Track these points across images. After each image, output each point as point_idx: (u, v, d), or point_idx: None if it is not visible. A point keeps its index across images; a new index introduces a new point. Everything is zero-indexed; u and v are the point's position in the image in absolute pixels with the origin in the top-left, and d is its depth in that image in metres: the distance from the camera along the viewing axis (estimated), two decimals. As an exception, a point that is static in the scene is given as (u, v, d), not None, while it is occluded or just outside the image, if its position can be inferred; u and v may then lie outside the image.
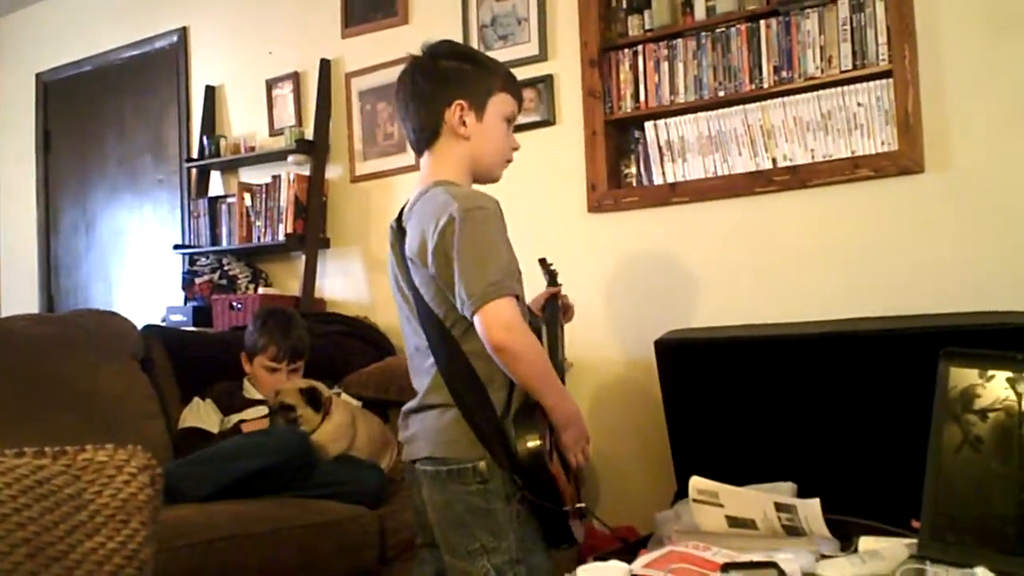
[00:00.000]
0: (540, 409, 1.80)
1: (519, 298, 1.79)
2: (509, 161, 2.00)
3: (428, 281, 1.83)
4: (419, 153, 1.97)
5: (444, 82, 1.90)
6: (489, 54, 3.52)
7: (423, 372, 1.90)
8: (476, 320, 1.73)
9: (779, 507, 1.93)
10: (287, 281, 4.20)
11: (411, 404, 1.93)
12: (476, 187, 1.95)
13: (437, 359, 1.85)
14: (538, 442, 1.76)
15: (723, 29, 3.15)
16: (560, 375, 2.05)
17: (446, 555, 1.88)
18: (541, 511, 1.83)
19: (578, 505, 1.91)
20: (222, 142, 4.34)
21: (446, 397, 1.83)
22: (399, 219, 1.96)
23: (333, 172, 4.12)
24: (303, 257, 4.02)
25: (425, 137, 1.92)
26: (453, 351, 1.82)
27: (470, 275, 1.72)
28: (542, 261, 2.37)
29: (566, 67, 3.47)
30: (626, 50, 3.34)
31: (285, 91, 4.27)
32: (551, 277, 2.34)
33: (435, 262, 1.78)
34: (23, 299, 5.31)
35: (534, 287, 2.26)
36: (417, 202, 1.89)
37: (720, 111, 3.16)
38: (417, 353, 1.92)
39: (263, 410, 2.89)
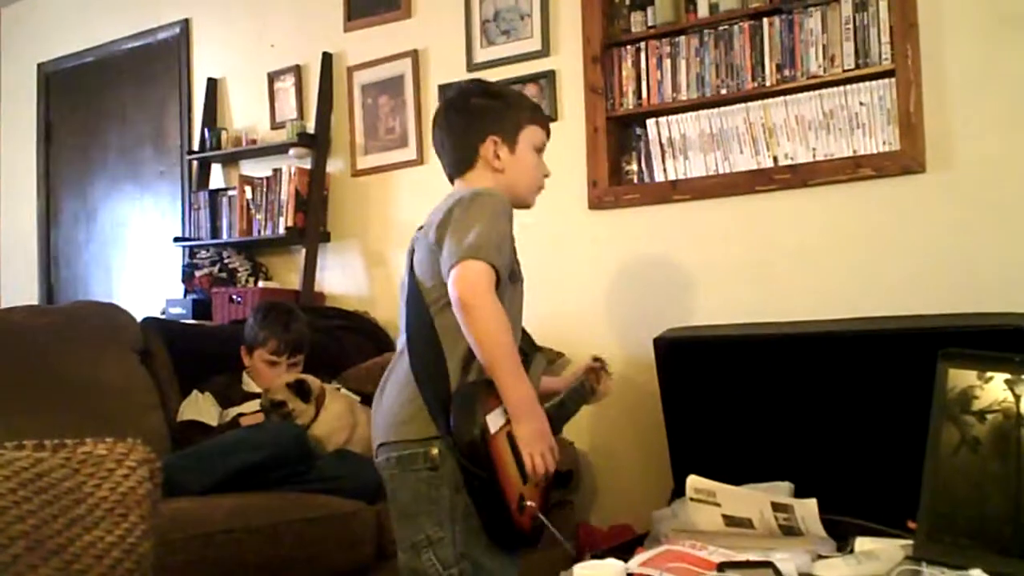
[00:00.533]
0: (492, 386, 1.77)
1: (500, 280, 1.77)
2: (541, 188, 2.09)
3: (427, 253, 1.87)
4: (452, 180, 2.06)
5: (477, 119, 2.00)
6: (491, 50, 3.59)
7: (398, 353, 1.92)
8: (450, 276, 1.76)
9: (776, 507, 1.94)
10: (287, 275, 4.20)
11: (380, 385, 1.95)
12: None
13: (409, 333, 1.88)
14: (476, 406, 1.74)
15: (726, 27, 3.15)
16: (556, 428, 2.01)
17: (399, 552, 1.87)
18: (478, 494, 1.76)
19: (527, 503, 1.80)
20: (223, 135, 4.33)
21: (405, 370, 1.85)
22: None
23: (334, 166, 4.12)
24: (303, 251, 4.02)
25: (461, 169, 2.02)
26: (425, 325, 1.84)
27: (457, 236, 1.78)
28: (598, 360, 2.32)
29: (568, 63, 3.47)
30: (629, 47, 3.34)
31: (287, 84, 4.26)
32: (601, 365, 2.30)
33: (436, 233, 1.83)
34: (23, 290, 5.31)
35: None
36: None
37: (722, 109, 3.16)
38: (399, 339, 1.95)
39: (262, 404, 2.90)
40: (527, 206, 2.07)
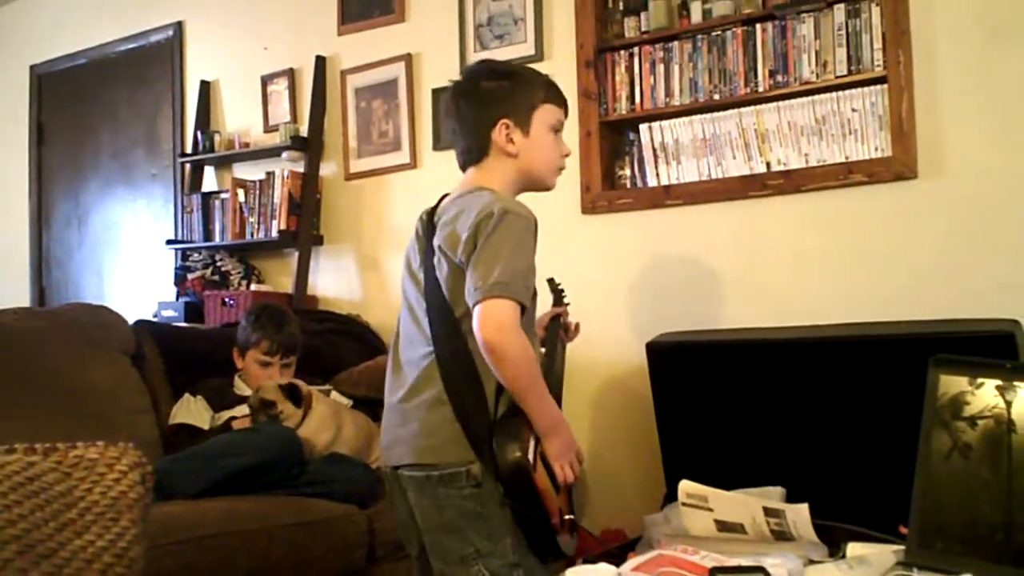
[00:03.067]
0: (524, 417, 1.79)
1: (524, 310, 1.78)
2: (562, 168, 2.02)
3: (452, 272, 1.83)
4: (464, 169, 1.99)
5: (486, 103, 1.93)
6: (485, 54, 3.58)
7: (413, 363, 1.87)
8: (475, 312, 1.73)
9: (768, 512, 1.94)
10: (280, 278, 4.20)
11: (399, 400, 1.89)
12: (526, 196, 1.97)
13: (439, 350, 1.83)
14: (518, 453, 1.75)
15: (719, 32, 3.15)
16: (558, 392, 2.05)
17: (436, 562, 1.85)
18: (526, 522, 1.81)
19: (566, 517, 1.88)
20: (216, 137, 4.33)
21: (439, 391, 1.82)
22: (431, 211, 1.96)
23: (327, 169, 4.12)
24: (296, 254, 4.02)
25: (474, 157, 1.96)
26: (458, 344, 1.81)
27: (485, 267, 1.74)
28: (550, 281, 2.39)
29: (562, 68, 3.46)
30: (622, 52, 3.35)
31: (280, 87, 4.26)
32: (557, 296, 2.35)
33: (464, 251, 1.78)
34: (14, 292, 5.29)
35: (541, 290, 2.27)
36: (459, 198, 1.90)
37: (715, 114, 3.16)
38: (410, 345, 1.90)
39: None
40: (548, 188, 2.01)
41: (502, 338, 1.73)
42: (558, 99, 2.00)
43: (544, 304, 2.29)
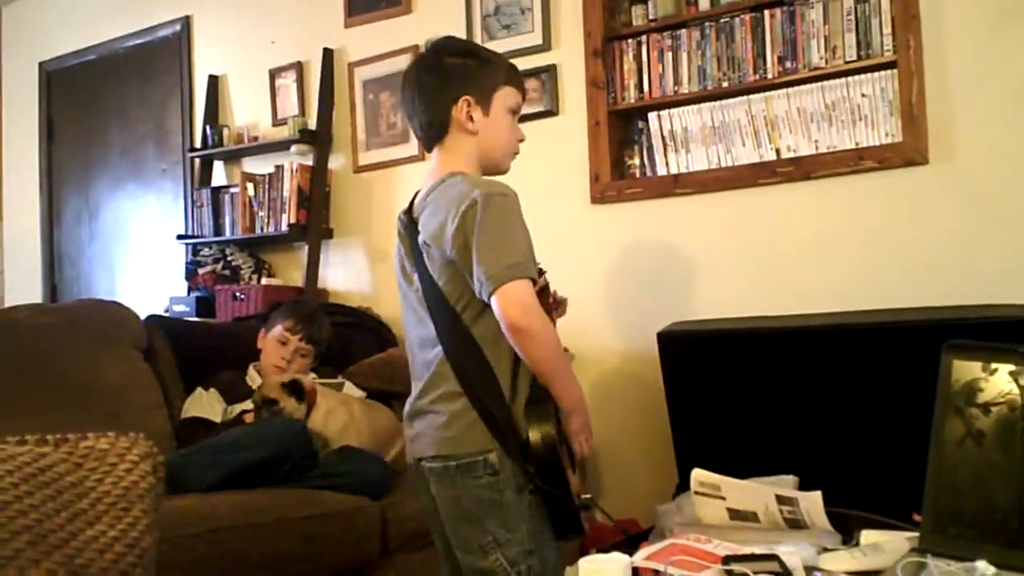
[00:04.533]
0: (550, 397, 1.81)
1: (535, 283, 1.79)
2: (516, 153, 2.02)
3: (445, 265, 1.83)
4: (428, 148, 1.99)
5: (450, 79, 1.92)
6: (492, 44, 3.58)
7: (426, 364, 1.89)
8: (494, 301, 1.73)
9: (781, 500, 1.93)
10: (290, 271, 4.20)
11: (416, 399, 1.91)
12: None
13: (446, 346, 1.84)
14: (552, 431, 1.77)
15: (727, 19, 3.14)
16: None
17: (458, 552, 1.87)
18: (552, 500, 1.82)
19: (584, 496, 1.93)
20: (225, 132, 4.33)
21: (454, 385, 1.83)
22: (409, 210, 1.96)
23: (336, 162, 4.12)
24: (306, 248, 4.02)
25: (434, 133, 1.95)
26: (463, 336, 1.82)
27: (490, 257, 1.74)
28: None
29: (569, 57, 3.46)
30: (630, 40, 3.34)
31: (288, 81, 4.26)
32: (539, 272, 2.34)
33: (454, 245, 1.78)
34: (26, 288, 5.32)
35: (550, 278, 2.26)
36: (432, 191, 1.90)
37: (724, 102, 3.15)
38: (421, 345, 1.91)
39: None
40: (502, 172, 2.01)
41: (530, 319, 1.74)
42: (518, 83, 2.00)
43: (550, 277, 2.28)
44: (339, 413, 2.85)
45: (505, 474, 1.79)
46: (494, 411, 1.80)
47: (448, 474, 1.83)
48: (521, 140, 2.02)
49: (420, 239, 1.87)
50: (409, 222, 1.93)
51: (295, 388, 2.79)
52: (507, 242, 1.76)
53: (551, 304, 2.26)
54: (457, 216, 1.77)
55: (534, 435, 1.76)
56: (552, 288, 2.30)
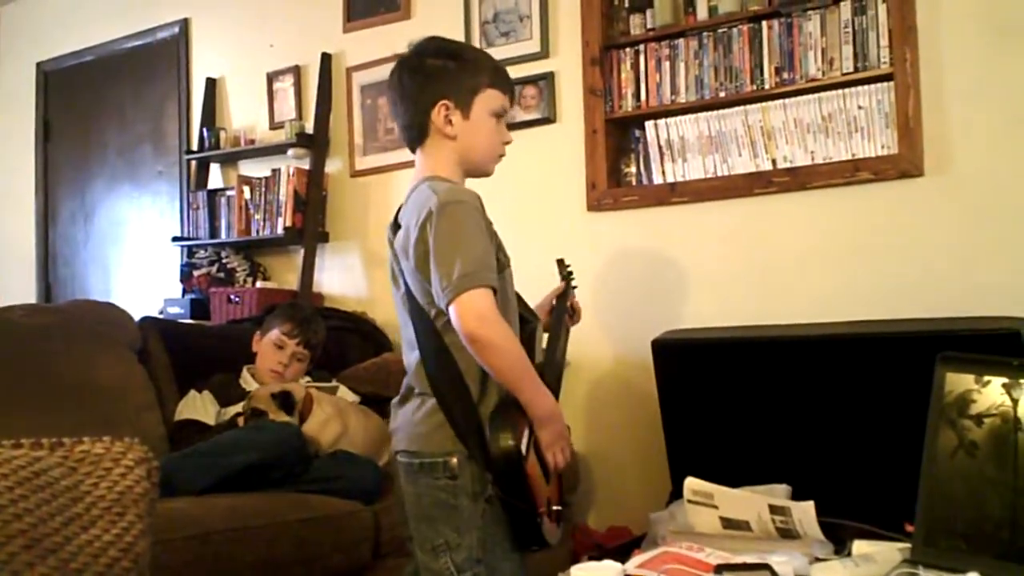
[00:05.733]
0: (518, 405, 1.80)
1: (495, 291, 1.78)
2: (502, 155, 1.99)
3: (412, 273, 1.85)
4: (412, 150, 1.99)
5: (429, 82, 1.90)
6: (490, 51, 3.58)
7: (410, 366, 1.91)
8: (451, 311, 1.74)
9: (773, 509, 1.94)
10: (285, 275, 4.20)
11: (400, 395, 1.94)
12: (469, 182, 1.96)
13: (421, 350, 1.86)
14: (511, 442, 1.75)
15: (725, 29, 3.15)
16: (558, 374, 2.06)
17: (416, 548, 1.88)
18: (511, 510, 1.82)
19: (554, 507, 1.90)
20: (222, 134, 4.33)
21: (425, 387, 1.85)
22: (396, 215, 1.97)
23: (333, 166, 4.12)
24: (301, 251, 4.02)
25: (414, 136, 1.94)
26: (436, 342, 1.83)
27: (444, 267, 1.74)
28: (560, 261, 2.39)
29: (567, 65, 3.47)
30: (628, 49, 3.35)
31: (286, 84, 4.26)
32: (566, 278, 2.35)
33: (415, 255, 1.80)
34: (20, 288, 5.30)
35: (545, 290, 2.28)
36: (408, 199, 1.91)
37: (721, 111, 3.16)
38: (408, 346, 1.93)
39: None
40: (486, 175, 1.98)
41: (485, 329, 1.73)
42: (504, 85, 1.96)
43: (545, 284, 2.30)
44: (337, 419, 2.85)
45: (463, 479, 1.80)
46: (460, 416, 1.81)
47: (412, 471, 1.85)
48: (507, 143, 1.98)
49: (395, 247, 1.89)
50: (395, 227, 1.94)
51: (285, 400, 2.77)
52: (461, 251, 1.74)
53: (570, 310, 2.28)
54: (417, 227, 1.78)
55: (494, 445, 1.76)
56: (574, 297, 2.31)
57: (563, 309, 2.25)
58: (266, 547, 2.33)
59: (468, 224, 1.79)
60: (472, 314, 1.72)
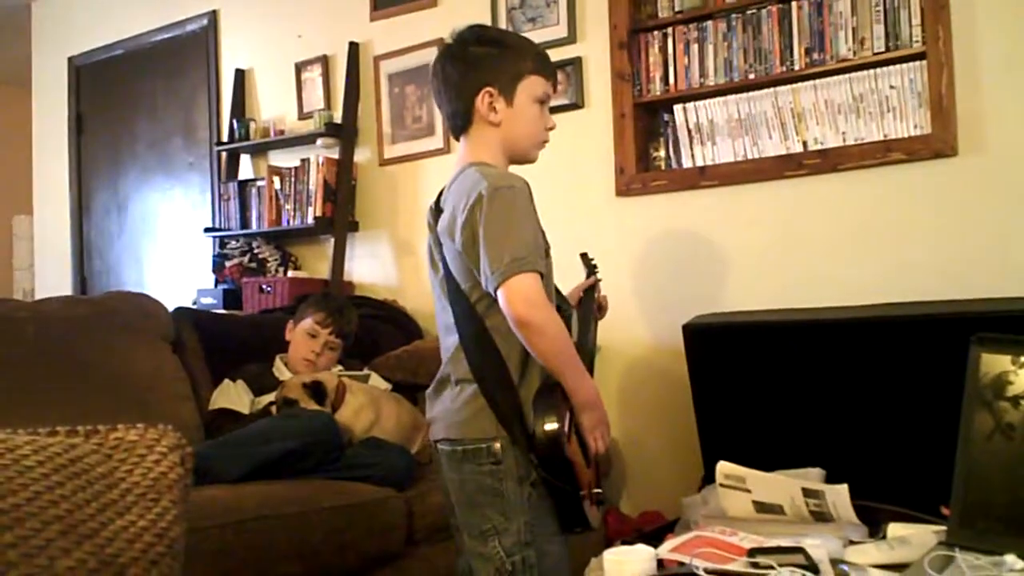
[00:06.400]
0: (561, 390, 1.81)
1: (543, 276, 1.79)
2: (545, 142, 2.00)
3: (456, 256, 1.85)
4: (456, 138, 2.00)
5: (473, 69, 1.90)
6: (518, 36, 3.57)
7: (447, 350, 1.92)
8: (499, 295, 1.74)
9: (807, 493, 1.93)
10: (316, 264, 4.23)
11: (436, 383, 1.95)
12: (512, 168, 1.96)
13: (461, 334, 1.86)
14: (555, 425, 1.77)
15: (754, 11, 3.12)
16: (590, 363, 2.06)
17: (464, 534, 1.89)
18: (556, 493, 1.83)
19: (595, 491, 1.91)
20: (251, 125, 4.36)
21: (465, 372, 1.85)
22: (438, 199, 1.97)
23: (362, 155, 4.13)
24: (332, 240, 4.04)
25: (459, 124, 1.95)
26: (477, 326, 1.84)
27: (494, 251, 1.74)
28: (583, 255, 2.40)
29: (595, 49, 3.45)
30: (655, 32, 3.32)
31: (314, 74, 4.28)
32: (591, 270, 2.35)
33: (463, 238, 1.80)
34: (57, 281, 5.38)
35: (571, 278, 2.28)
36: (453, 183, 1.91)
37: (750, 94, 3.13)
38: (446, 331, 1.93)
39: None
40: (530, 161, 1.99)
41: (535, 313, 1.74)
42: (547, 71, 1.96)
43: (572, 271, 2.29)
44: (370, 407, 2.86)
45: (507, 464, 1.81)
46: (502, 401, 1.81)
47: (455, 458, 1.86)
48: (551, 129, 1.99)
49: (438, 229, 1.89)
50: (436, 211, 1.95)
51: (317, 390, 2.79)
52: (512, 236, 1.75)
53: (596, 304, 2.28)
54: (465, 210, 1.78)
55: (539, 428, 1.77)
56: (600, 291, 2.32)
57: (592, 301, 2.25)
58: (299, 534, 2.35)
59: (519, 209, 1.80)
60: (520, 297, 1.73)
